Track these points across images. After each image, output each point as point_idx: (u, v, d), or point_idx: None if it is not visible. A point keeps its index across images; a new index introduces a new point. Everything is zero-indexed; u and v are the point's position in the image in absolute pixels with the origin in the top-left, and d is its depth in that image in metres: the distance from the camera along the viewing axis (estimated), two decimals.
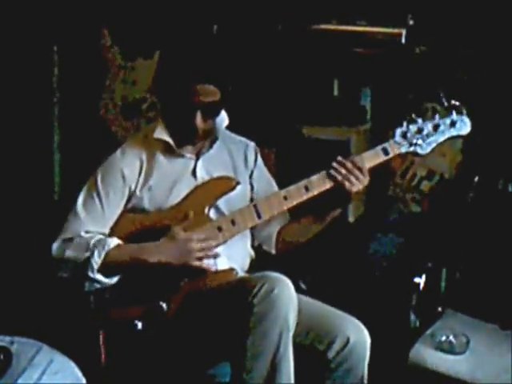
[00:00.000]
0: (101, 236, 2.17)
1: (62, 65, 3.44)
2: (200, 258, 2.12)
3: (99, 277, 2.12)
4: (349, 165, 2.17)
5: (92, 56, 3.40)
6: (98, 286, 2.13)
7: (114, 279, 2.15)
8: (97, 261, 2.10)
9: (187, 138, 2.22)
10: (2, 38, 3.28)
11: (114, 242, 2.15)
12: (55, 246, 2.17)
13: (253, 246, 2.37)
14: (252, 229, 2.33)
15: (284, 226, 2.36)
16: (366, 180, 2.18)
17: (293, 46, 3.04)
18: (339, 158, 2.19)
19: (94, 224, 2.18)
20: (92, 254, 2.10)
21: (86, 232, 2.17)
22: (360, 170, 2.17)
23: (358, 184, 2.17)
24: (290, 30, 3.05)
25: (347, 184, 2.17)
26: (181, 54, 2.18)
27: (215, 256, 2.15)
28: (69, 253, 2.14)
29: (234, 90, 2.22)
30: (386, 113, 2.97)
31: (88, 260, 2.10)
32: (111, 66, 3.41)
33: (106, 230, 2.20)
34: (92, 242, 2.13)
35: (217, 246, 2.16)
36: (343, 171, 2.17)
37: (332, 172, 2.18)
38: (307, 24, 3.00)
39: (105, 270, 2.12)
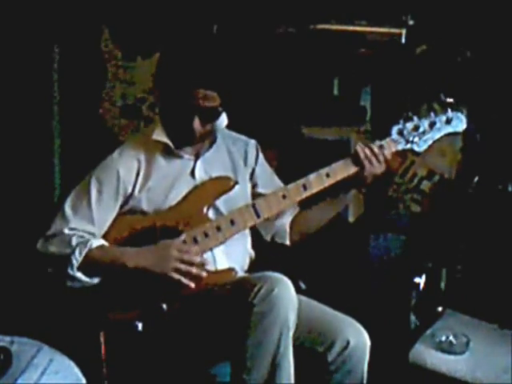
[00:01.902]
0: (85, 235, 2.16)
1: (62, 64, 3.43)
2: (178, 270, 2.09)
3: (79, 275, 2.10)
4: (368, 150, 2.21)
5: (92, 56, 3.40)
6: (78, 284, 2.12)
7: (95, 280, 2.14)
8: (77, 258, 2.09)
9: (185, 140, 2.22)
10: (2, 38, 3.28)
11: (98, 242, 2.14)
12: (39, 242, 2.17)
13: (253, 245, 2.37)
14: (265, 222, 2.31)
15: (297, 216, 2.36)
16: (383, 166, 2.21)
17: (293, 46, 3.04)
18: (360, 144, 2.22)
19: (80, 222, 2.17)
20: (73, 251, 2.10)
21: (71, 229, 2.16)
22: (376, 156, 2.20)
23: (378, 167, 2.20)
24: (291, 30, 3.04)
25: (368, 165, 2.19)
26: (181, 58, 2.18)
27: (198, 275, 2.11)
28: (51, 248, 2.13)
29: (234, 90, 2.22)
30: (386, 113, 2.97)
31: (68, 257, 2.10)
32: (111, 66, 3.41)
33: (95, 230, 2.18)
34: (74, 239, 2.12)
35: (202, 264, 2.13)
36: (368, 152, 2.20)
37: (358, 149, 2.20)
38: (307, 24, 2.99)
39: (86, 269, 2.11)
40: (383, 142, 2.23)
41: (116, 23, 3.35)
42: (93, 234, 2.17)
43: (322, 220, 2.34)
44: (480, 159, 2.84)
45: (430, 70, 2.88)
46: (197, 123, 2.14)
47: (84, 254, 2.10)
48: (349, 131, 3.05)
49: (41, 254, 2.16)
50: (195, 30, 3.13)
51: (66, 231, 2.16)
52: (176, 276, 2.09)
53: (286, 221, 2.36)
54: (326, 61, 3.03)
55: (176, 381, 2.17)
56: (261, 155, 2.40)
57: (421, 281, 2.65)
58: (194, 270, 2.10)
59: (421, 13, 2.90)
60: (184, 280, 2.09)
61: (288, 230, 2.37)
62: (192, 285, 2.10)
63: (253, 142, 2.41)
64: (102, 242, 2.15)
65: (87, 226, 2.18)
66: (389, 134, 2.23)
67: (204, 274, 2.11)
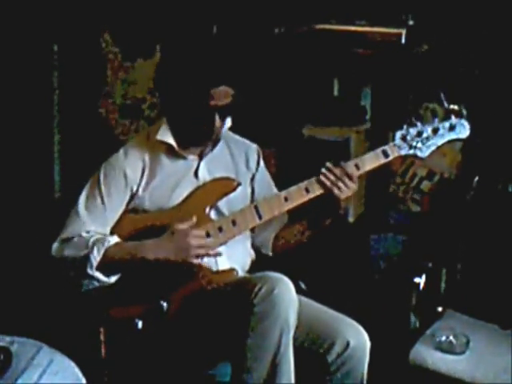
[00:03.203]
0: (100, 236, 2.16)
1: (62, 65, 3.44)
2: (199, 255, 2.11)
3: (98, 274, 2.11)
4: (338, 171, 2.17)
5: (92, 56, 3.40)
6: (96, 284, 2.13)
7: (113, 278, 2.14)
8: (96, 257, 2.09)
9: (201, 140, 2.22)
10: (2, 37, 3.28)
11: (114, 239, 2.14)
12: (55, 245, 2.17)
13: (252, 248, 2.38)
14: (251, 233, 2.33)
15: (281, 230, 2.37)
16: (354, 186, 2.18)
17: (293, 46, 3.04)
18: (328, 165, 2.19)
19: (95, 224, 2.18)
20: (91, 250, 2.10)
21: (87, 232, 2.17)
22: (349, 176, 2.17)
23: (346, 191, 2.17)
24: (290, 30, 3.04)
25: (336, 191, 2.17)
26: (194, 60, 2.16)
27: (216, 255, 2.14)
28: (68, 251, 2.14)
29: (234, 90, 2.22)
30: (386, 113, 2.97)
31: (87, 257, 2.10)
32: (111, 66, 3.41)
33: (107, 230, 2.19)
34: (92, 239, 2.12)
35: (217, 244, 2.16)
36: (332, 177, 2.17)
37: (321, 178, 2.18)
38: (307, 24, 2.99)
39: (104, 268, 2.11)
40: (386, 147, 2.23)
41: (116, 23, 3.35)
42: (106, 235, 2.18)
43: (299, 240, 2.34)
44: (480, 159, 2.84)
45: (430, 70, 2.88)
46: (217, 121, 2.15)
47: (102, 252, 2.10)
48: (349, 131, 3.05)
49: (56, 257, 2.16)
50: (194, 30, 3.14)
51: (84, 234, 2.16)
52: (195, 261, 2.11)
53: (272, 234, 2.37)
54: (326, 61, 3.03)
55: (176, 381, 2.17)
56: (262, 162, 2.40)
57: (421, 281, 2.65)
58: (211, 251, 2.12)
59: (421, 13, 2.90)
60: (204, 263, 2.13)
61: (271, 241, 2.37)
62: (212, 267, 2.15)
63: (254, 146, 2.40)
64: (117, 239, 2.16)
65: (102, 227, 2.18)
66: (392, 139, 2.23)
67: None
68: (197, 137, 2.21)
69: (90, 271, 2.10)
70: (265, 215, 2.19)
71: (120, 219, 2.21)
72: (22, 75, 3.34)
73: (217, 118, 2.14)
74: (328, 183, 2.17)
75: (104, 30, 3.37)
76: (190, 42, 2.31)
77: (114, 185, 2.20)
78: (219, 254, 2.15)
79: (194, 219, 2.14)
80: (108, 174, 2.21)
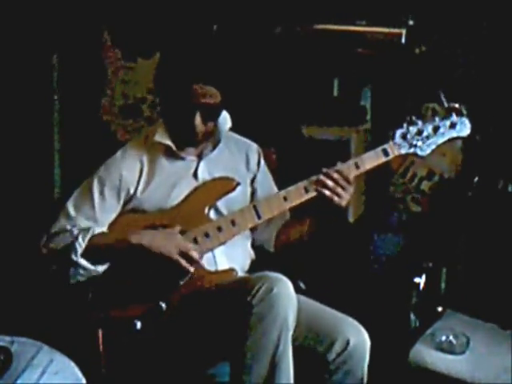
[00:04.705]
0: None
1: (62, 65, 3.44)
2: (181, 253, 2.10)
3: (83, 261, 2.11)
4: (335, 175, 2.15)
5: (92, 56, 3.40)
6: (83, 272, 2.13)
7: (100, 268, 2.14)
8: (80, 243, 2.11)
9: (187, 139, 2.22)
10: (2, 38, 3.28)
11: (101, 229, 2.16)
12: (42, 241, 2.18)
13: (253, 247, 2.37)
14: (252, 230, 2.33)
15: (282, 226, 2.37)
16: (351, 189, 2.16)
17: (293, 46, 3.04)
18: (324, 170, 2.16)
19: (83, 221, 2.19)
20: (76, 237, 2.11)
21: (74, 226, 2.17)
22: (346, 179, 2.15)
23: (346, 196, 2.15)
24: (291, 30, 3.05)
25: (336, 199, 2.14)
26: (181, 54, 2.18)
27: (195, 261, 2.12)
28: (54, 245, 2.15)
29: (234, 90, 2.22)
30: (386, 113, 2.97)
31: (72, 243, 2.11)
32: (111, 66, 3.41)
33: (97, 226, 2.19)
34: (76, 229, 2.14)
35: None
36: (330, 184, 2.14)
37: (319, 188, 2.15)
38: (307, 24, 3.00)
39: (89, 255, 2.12)
40: (386, 146, 2.22)
41: (116, 23, 3.36)
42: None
43: (301, 238, 2.33)
44: (480, 159, 2.84)
45: (430, 70, 2.88)
46: (198, 120, 2.14)
47: (87, 239, 2.11)
48: (349, 131, 3.05)
49: (43, 251, 2.17)
50: (194, 29, 3.14)
51: (69, 227, 2.17)
52: (177, 257, 2.10)
53: (274, 230, 2.37)
54: (326, 61, 3.03)
55: (176, 381, 2.17)
56: (263, 162, 2.40)
57: (421, 281, 2.65)
58: (194, 253, 2.11)
59: (421, 13, 2.90)
60: (184, 263, 2.10)
61: (274, 239, 2.38)
62: (191, 269, 2.12)
63: (255, 146, 2.40)
64: (104, 230, 2.17)
65: (90, 223, 2.19)
66: (392, 138, 2.22)
67: (201, 261, 2.13)
68: (183, 135, 2.20)
69: (74, 257, 2.10)
70: (264, 215, 2.19)
71: (119, 219, 2.22)
72: (21, 76, 3.34)
73: (198, 115, 2.14)
74: (327, 192, 2.14)
75: (104, 30, 3.38)
76: (180, 40, 2.32)
77: (107, 185, 2.21)
78: (200, 261, 2.14)
79: (177, 229, 2.14)
80: (103, 175, 2.22)
